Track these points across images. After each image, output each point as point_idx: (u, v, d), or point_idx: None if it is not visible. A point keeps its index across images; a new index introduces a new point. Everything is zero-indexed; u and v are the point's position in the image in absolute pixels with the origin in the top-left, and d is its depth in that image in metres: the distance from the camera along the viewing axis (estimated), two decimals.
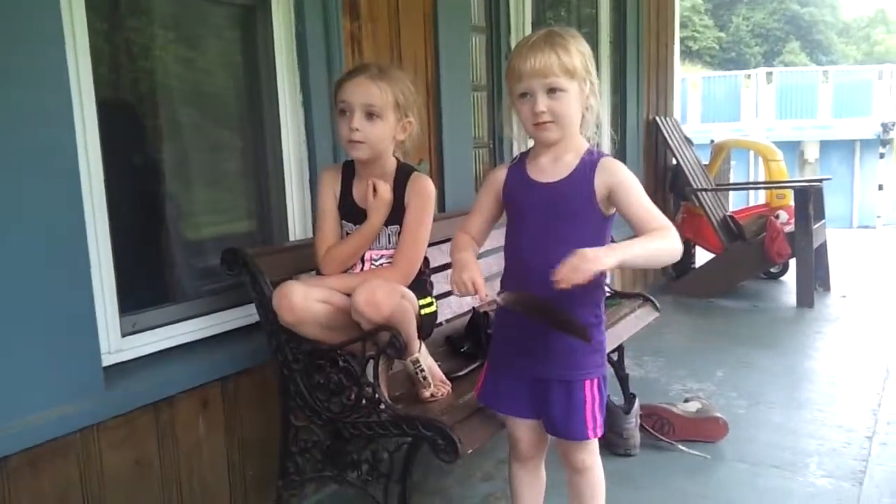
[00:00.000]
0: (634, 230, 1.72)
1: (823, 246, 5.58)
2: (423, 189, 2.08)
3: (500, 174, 1.85)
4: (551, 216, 1.75)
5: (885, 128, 16.33)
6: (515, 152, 1.91)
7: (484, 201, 1.88)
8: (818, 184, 5.69)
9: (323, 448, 2.06)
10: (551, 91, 1.68)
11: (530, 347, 1.79)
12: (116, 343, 2.04)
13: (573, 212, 1.74)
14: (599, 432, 1.82)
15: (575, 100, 1.71)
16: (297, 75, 2.51)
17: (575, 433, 1.81)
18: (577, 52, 1.71)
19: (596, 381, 1.80)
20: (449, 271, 2.48)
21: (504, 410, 1.91)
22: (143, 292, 2.19)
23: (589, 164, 1.74)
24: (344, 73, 2.13)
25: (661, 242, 1.67)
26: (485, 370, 1.93)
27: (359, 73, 2.02)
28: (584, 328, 1.67)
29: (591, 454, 1.88)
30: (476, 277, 1.71)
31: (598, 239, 1.74)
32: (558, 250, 1.62)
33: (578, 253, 1.55)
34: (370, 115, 1.99)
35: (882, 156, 16.52)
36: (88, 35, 1.93)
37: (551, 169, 1.77)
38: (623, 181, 1.72)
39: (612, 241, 2.61)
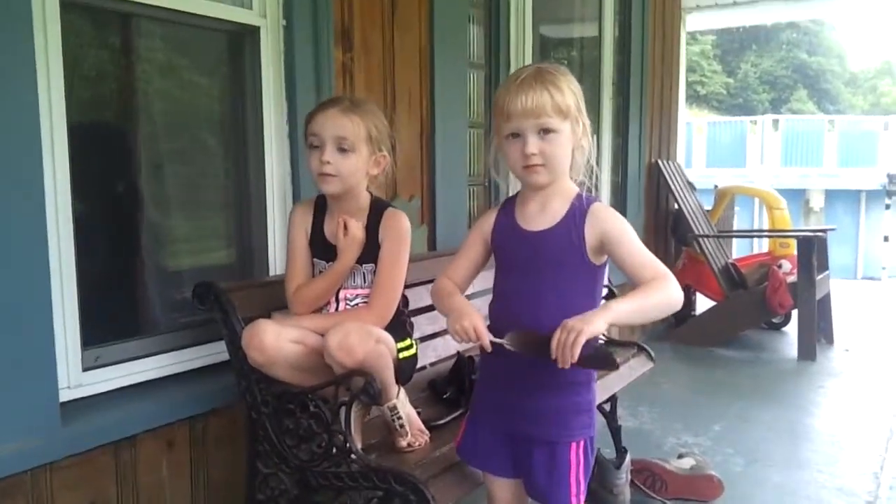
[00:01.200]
0: (629, 280, 1.63)
1: (827, 297, 5.49)
2: (398, 225, 2.00)
3: (489, 220, 1.76)
4: (540, 265, 1.65)
5: (891, 179, 16.29)
6: (512, 190, 1.83)
7: (471, 247, 1.79)
8: (822, 233, 5.62)
9: (290, 497, 1.94)
10: (543, 132, 1.59)
11: (515, 404, 1.69)
12: (76, 377, 1.94)
13: (561, 261, 1.64)
14: (582, 498, 1.71)
15: (567, 141, 1.62)
16: (285, 106, 2.45)
17: (557, 499, 1.69)
18: (569, 90, 1.62)
19: (582, 443, 1.69)
20: (432, 313, 2.41)
21: (483, 467, 1.80)
22: (108, 325, 2.09)
23: (579, 210, 1.64)
24: (316, 105, 2.06)
25: (657, 295, 1.57)
26: (466, 422, 1.82)
27: (330, 105, 1.97)
28: (608, 353, 1.57)
29: None
30: (477, 323, 1.59)
31: (591, 287, 1.67)
32: (547, 299, 1.62)
33: (562, 326, 1.47)
34: (342, 148, 1.93)
35: (888, 207, 16.45)
36: (63, 56, 1.86)
37: (539, 216, 1.68)
38: (614, 229, 1.63)
39: (610, 286, 2.52)
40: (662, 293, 1.57)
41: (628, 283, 1.64)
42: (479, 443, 1.77)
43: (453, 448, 1.86)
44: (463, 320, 1.59)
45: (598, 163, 4.53)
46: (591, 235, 1.63)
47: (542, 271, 1.65)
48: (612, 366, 1.60)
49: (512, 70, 3.68)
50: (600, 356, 1.58)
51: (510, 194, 1.80)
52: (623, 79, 5.14)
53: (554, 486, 1.68)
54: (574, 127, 1.62)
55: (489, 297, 1.78)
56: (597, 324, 1.47)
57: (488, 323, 1.68)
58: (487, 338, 1.58)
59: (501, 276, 1.74)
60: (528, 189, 1.70)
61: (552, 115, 1.58)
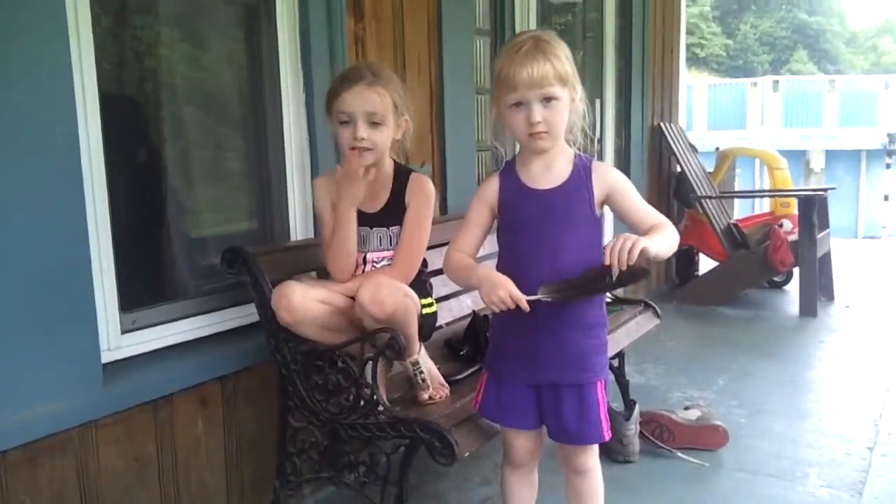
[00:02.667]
0: (634, 228, 1.73)
1: (827, 255, 5.56)
2: (424, 189, 2.09)
3: (493, 186, 1.82)
4: (551, 222, 1.74)
5: (892, 138, 16.28)
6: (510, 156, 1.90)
7: (477, 215, 1.84)
8: (823, 193, 5.67)
9: (320, 449, 2.05)
10: (546, 100, 1.68)
11: (540, 354, 1.78)
12: (116, 340, 2.04)
13: (573, 216, 1.75)
14: (610, 433, 1.84)
15: (565, 107, 1.71)
16: (301, 74, 2.51)
17: (590, 437, 1.82)
18: (566, 58, 1.71)
19: (603, 382, 1.82)
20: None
21: (508, 423, 1.88)
22: (143, 290, 2.19)
23: (582, 168, 1.77)
24: (336, 79, 2.10)
25: (668, 234, 1.70)
26: (484, 382, 1.89)
27: (354, 80, 2.01)
28: (641, 267, 1.64)
29: (593, 456, 1.89)
30: (511, 289, 1.65)
31: (597, 237, 1.79)
32: (564, 252, 1.72)
33: (617, 237, 1.57)
34: (373, 122, 2.00)
35: (888, 166, 16.46)
36: (92, 30, 1.93)
37: (546, 176, 1.77)
38: (618, 182, 1.77)
39: None
40: (671, 233, 1.71)
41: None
42: (503, 399, 1.84)
43: (474, 409, 1.93)
44: (498, 290, 1.65)
45: (601, 126, 4.59)
46: (598, 189, 1.75)
47: (556, 226, 1.74)
48: (645, 274, 1.70)
49: None
50: (635, 269, 1.64)
51: (508, 159, 1.87)
52: (625, 42, 5.16)
53: (586, 426, 1.79)
54: (571, 93, 1.72)
55: (495, 260, 1.86)
56: (644, 241, 1.57)
57: None
58: (524, 299, 1.66)
59: (512, 236, 1.80)
60: (531, 153, 1.78)
61: (554, 84, 1.67)
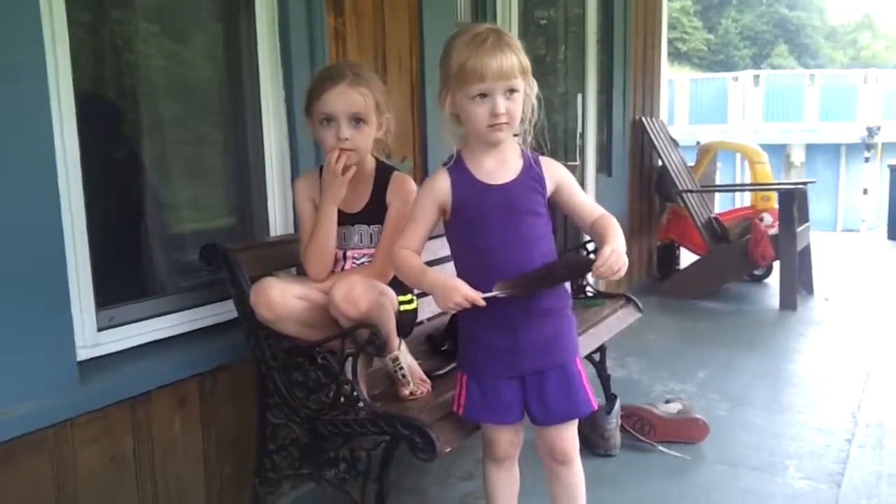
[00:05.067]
0: (579, 220, 1.84)
1: (807, 249, 5.61)
2: (405, 188, 2.09)
3: (443, 182, 1.79)
4: (511, 215, 1.76)
5: (871, 132, 16.44)
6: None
7: (426, 213, 1.81)
8: (803, 186, 5.73)
9: (300, 446, 2.04)
10: (509, 91, 1.69)
11: (520, 344, 1.79)
12: (92, 337, 2.01)
13: (531, 208, 1.78)
14: (596, 403, 1.88)
15: (523, 99, 1.73)
16: (280, 71, 2.49)
17: (581, 409, 1.85)
18: (522, 49, 1.73)
19: (579, 357, 1.88)
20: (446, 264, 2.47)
21: (497, 420, 1.88)
22: (120, 286, 2.16)
23: (534, 162, 1.80)
24: (316, 78, 2.07)
25: (620, 231, 1.76)
26: (464, 384, 1.88)
27: (336, 80, 1.99)
28: (580, 257, 1.78)
29: (575, 444, 1.91)
30: (466, 291, 1.67)
31: (548, 229, 1.82)
32: (523, 247, 1.76)
33: (607, 249, 1.67)
34: (357, 122, 1.99)
35: (867, 160, 16.63)
36: (68, 26, 1.89)
37: (500, 170, 1.78)
38: (566, 176, 1.85)
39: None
40: (619, 228, 1.77)
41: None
42: (488, 397, 1.83)
43: (457, 413, 1.89)
44: (453, 296, 1.67)
45: (583, 120, 4.61)
46: (550, 182, 1.81)
47: (516, 219, 1.76)
48: (589, 264, 1.76)
49: None
50: (581, 262, 1.78)
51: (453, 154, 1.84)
52: (607, 37, 5.17)
53: (573, 401, 1.84)
54: (527, 87, 1.74)
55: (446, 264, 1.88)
56: (623, 254, 1.69)
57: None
58: (479, 296, 1.68)
59: (471, 233, 1.79)
60: (486, 146, 1.77)
61: (517, 76, 1.69)
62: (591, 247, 2.51)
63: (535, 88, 1.76)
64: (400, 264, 1.82)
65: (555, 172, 1.82)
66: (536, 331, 1.80)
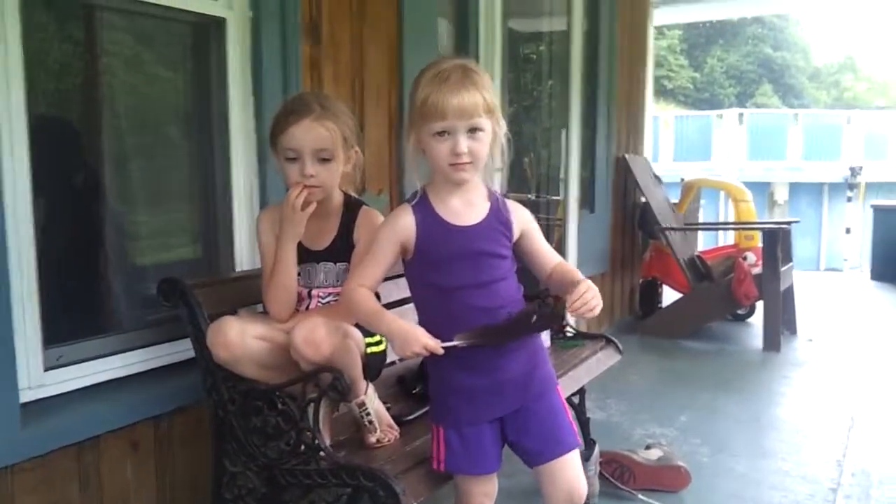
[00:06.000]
0: (538, 266, 1.81)
1: (791, 288, 5.57)
2: (374, 224, 1.98)
3: (407, 222, 1.71)
4: (475, 258, 1.71)
5: (853, 172, 16.64)
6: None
7: (386, 251, 1.73)
8: (787, 226, 5.70)
9: (258, 496, 1.92)
10: (471, 131, 1.63)
11: (501, 385, 1.73)
12: (38, 377, 1.90)
13: (495, 252, 1.73)
14: (580, 438, 1.87)
15: (489, 138, 1.67)
16: (251, 100, 2.41)
17: (567, 443, 1.78)
18: (491, 89, 1.68)
19: (560, 386, 1.87)
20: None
21: (481, 471, 1.79)
22: (71, 323, 2.05)
23: (501, 204, 1.76)
24: (281, 111, 1.97)
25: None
26: (442, 437, 1.78)
27: (301, 114, 1.90)
28: (557, 306, 1.74)
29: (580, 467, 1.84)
30: (425, 340, 1.63)
31: (513, 273, 1.78)
32: (490, 288, 1.71)
33: (584, 286, 1.66)
34: (322, 158, 1.91)
35: (850, 199, 16.79)
36: (22, 49, 1.82)
37: (466, 211, 1.73)
38: (531, 221, 1.82)
39: None
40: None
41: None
42: (471, 447, 1.76)
43: (424, 442, 1.84)
44: (412, 346, 1.63)
45: (566, 157, 4.53)
46: (517, 228, 1.77)
47: (481, 262, 1.72)
48: (560, 316, 1.80)
49: (481, 65, 3.67)
50: (552, 311, 1.76)
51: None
52: (592, 74, 5.15)
53: (560, 431, 1.78)
54: (494, 125, 1.68)
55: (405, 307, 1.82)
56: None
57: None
58: (439, 345, 1.64)
59: (437, 273, 1.72)
60: (451, 185, 1.71)
61: (482, 115, 1.63)
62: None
63: (504, 128, 1.70)
64: (355, 305, 1.74)
65: (521, 218, 1.79)
66: (515, 365, 1.74)
